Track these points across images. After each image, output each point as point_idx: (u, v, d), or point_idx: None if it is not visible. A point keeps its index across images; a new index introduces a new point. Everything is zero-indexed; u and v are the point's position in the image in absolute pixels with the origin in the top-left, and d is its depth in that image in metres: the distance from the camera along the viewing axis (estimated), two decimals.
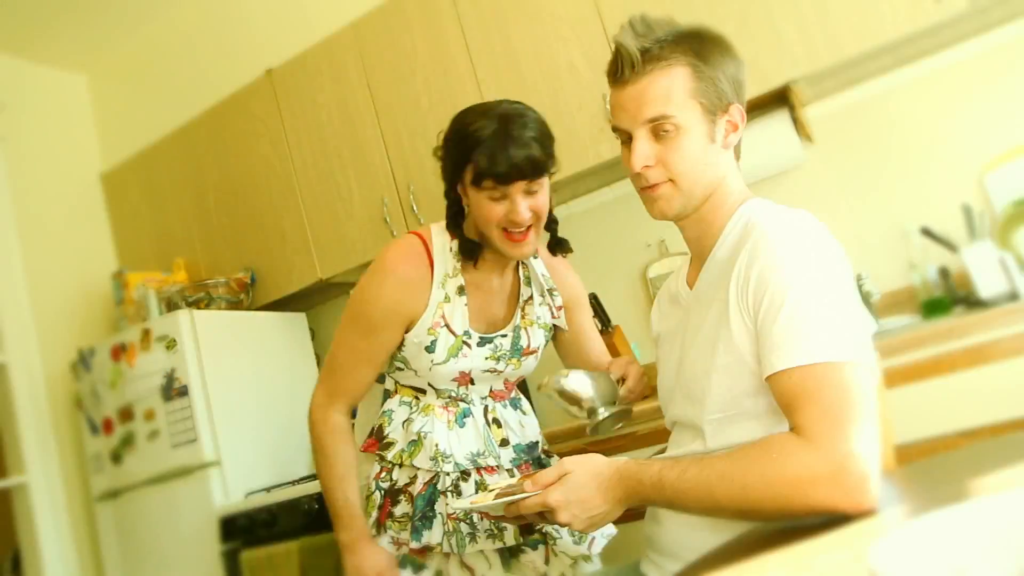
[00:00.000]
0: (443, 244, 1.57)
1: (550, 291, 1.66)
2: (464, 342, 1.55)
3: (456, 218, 1.56)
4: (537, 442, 1.68)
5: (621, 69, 1.14)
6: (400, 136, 2.81)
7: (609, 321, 2.58)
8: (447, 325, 1.54)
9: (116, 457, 2.94)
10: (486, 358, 1.57)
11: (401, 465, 1.57)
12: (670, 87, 1.11)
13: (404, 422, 1.59)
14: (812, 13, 2.15)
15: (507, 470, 1.60)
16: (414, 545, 1.52)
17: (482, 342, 1.57)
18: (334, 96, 2.97)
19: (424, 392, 1.61)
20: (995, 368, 1.68)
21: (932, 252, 2.26)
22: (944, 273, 2.21)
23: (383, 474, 1.59)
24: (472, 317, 1.57)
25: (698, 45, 1.13)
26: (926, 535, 0.55)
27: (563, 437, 2.20)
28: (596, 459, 1.08)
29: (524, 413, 1.70)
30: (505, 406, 1.66)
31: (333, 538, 2.35)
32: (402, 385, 1.63)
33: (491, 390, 1.64)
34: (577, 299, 1.75)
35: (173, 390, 2.79)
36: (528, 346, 1.63)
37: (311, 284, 3.04)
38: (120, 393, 2.94)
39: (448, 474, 1.55)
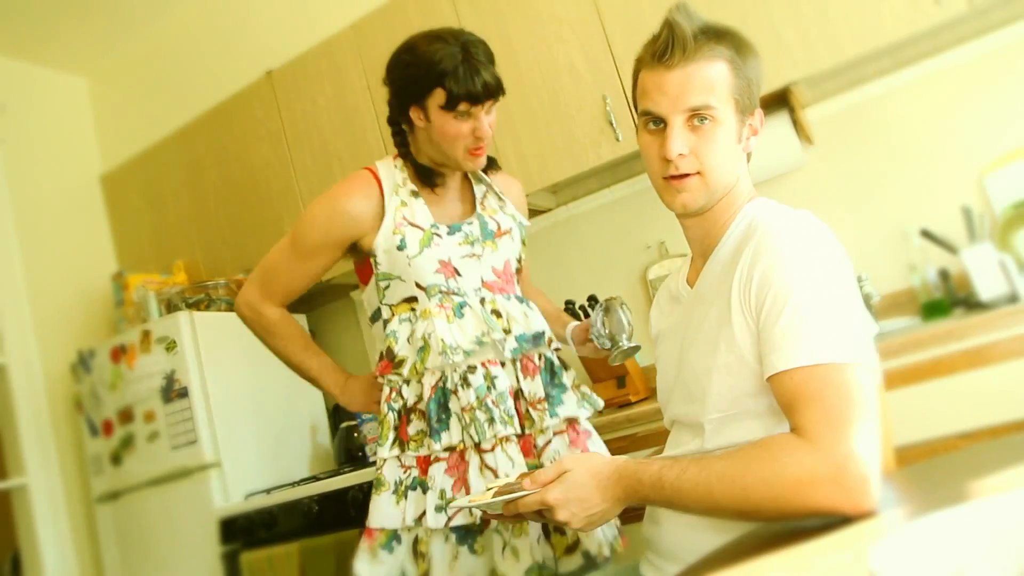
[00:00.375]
0: (387, 164, 1.72)
1: (498, 195, 1.80)
2: (434, 233, 1.64)
3: (405, 147, 1.71)
4: (543, 332, 1.70)
5: (671, 50, 1.11)
6: None
7: None
8: (411, 223, 1.64)
9: (116, 459, 2.94)
10: (459, 244, 1.66)
11: (409, 382, 1.64)
12: (715, 78, 1.10)
13: (408, 336, 1.64)
14: (812, 15, 2.15)
15: (511, 360, 1.65)
16: (436, 447, 1.57)
17: (451, 231, 1.66)
18: (334, 97, 2.97)
19: (417, 299, 1.65)
20: (995, 370, 1.68)
21: (932, 254, 2.26)
22: (944, 275, 2.21)
23: (393, 395, 1.65)
24: (433, 214, 1.68)
25: (737, 43, 1.14)
26: (926, 537, 0.55)
27: None
28: (595, 458, 1.09)
29: (530, 308, 1.72)
30: (508, 299, 1.69)
31: (333, 539, 2.37)
32: (396, 304, 1.68)
33: (483, 281, 1.68)
34: (524, 212, 1.87)
35: (173, 392, 2.79)
36: (499, 228, 1.73)
37: (311, 286, 3.03)
38: (120, 395, 2.94)
39: (456, 370, 1.60)
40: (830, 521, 0.81)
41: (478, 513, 1.54)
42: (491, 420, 1.57)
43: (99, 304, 3.59)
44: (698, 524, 1.07)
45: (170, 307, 3.04)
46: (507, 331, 1.65)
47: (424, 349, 1.60)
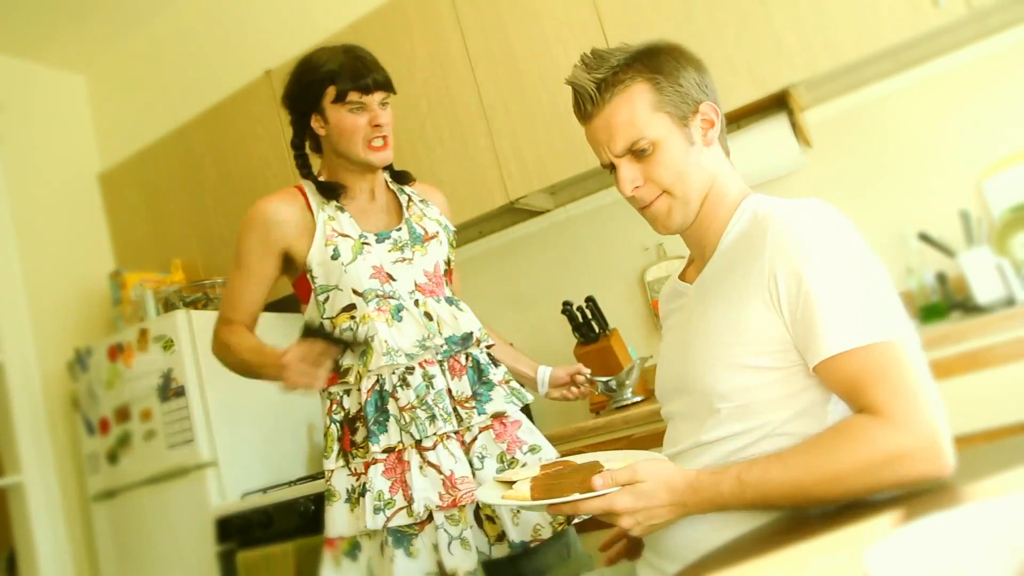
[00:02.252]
0: (309, 186, 1.78)
1: (423, 201, 1.86)
2: (363, 242, 1.70)
3: (306, 168, 1.79)
4: (471, 333, 1.73)
5: (583, 106, 1.20)
6: (398, 139, 2.77)
7: (606, 324, 2.58)
8: (340, 234, 1.70)
9: (112, 457, 2.94)
10: (389, 250, 1.71)
11: (350, 392, 1.67)
12: (632, 108, 1.15)
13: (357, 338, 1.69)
14: (811, 18, 2.15)
15: (438, 361, 1.67)
16: (374, 448, 1.60)
17: (380, 239, 1.72)
18: None
19: (355, 306, 1.69)
20: (991, 373, 1.68)
21: (929, 257, 2.27)
22: (941, 278, 2.22)
23: (334, 407, 1.69)
24: (361, 225, 1.73)
25: (650, 59, 1.16)
26: (920, 539, 0.55)
27: (566, 438, 2.20)
28: (669, 469, 1.06)
29: (460, 309, 1.76)
30: (438, 301, 1.73)
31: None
32: (336, 316, 1.71)
33: (415, 284, 1.72)
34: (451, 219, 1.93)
35: (170, 390, 2.78)
36: (427, 233, 1.78)
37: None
38: (117, 393, 2.93)
39: (394, 372, 1.64)
40: (824, 522, 0.82)
41: (419, 511, 1.55)
42: (432, 417, 1.60)
43: (96, 302, 3.58)
44: (697, 522, 1.08)
45: (167, 306, 3.04)
46: (438, 333, 1.69)
47: (367, 352, 1.63)
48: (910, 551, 0.54)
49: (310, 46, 3.02)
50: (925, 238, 2.23)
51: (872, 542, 0.54)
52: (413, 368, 1.65)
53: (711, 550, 0.93)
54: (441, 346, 1.67)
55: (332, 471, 1.67)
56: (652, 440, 2.05)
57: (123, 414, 2.91)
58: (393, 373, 1.64)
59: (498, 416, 1.70)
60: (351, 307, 1.69)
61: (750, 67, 2.23)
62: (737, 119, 2.51)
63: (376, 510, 1.57)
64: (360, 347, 1.62)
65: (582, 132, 2.56)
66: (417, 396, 1.62)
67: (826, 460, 0.95)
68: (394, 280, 1.70)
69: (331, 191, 1.73)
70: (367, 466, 1.62)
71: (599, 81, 1.16)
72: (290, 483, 2.68)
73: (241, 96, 3.22)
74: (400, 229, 1.75)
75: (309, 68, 1.72)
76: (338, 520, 1.65)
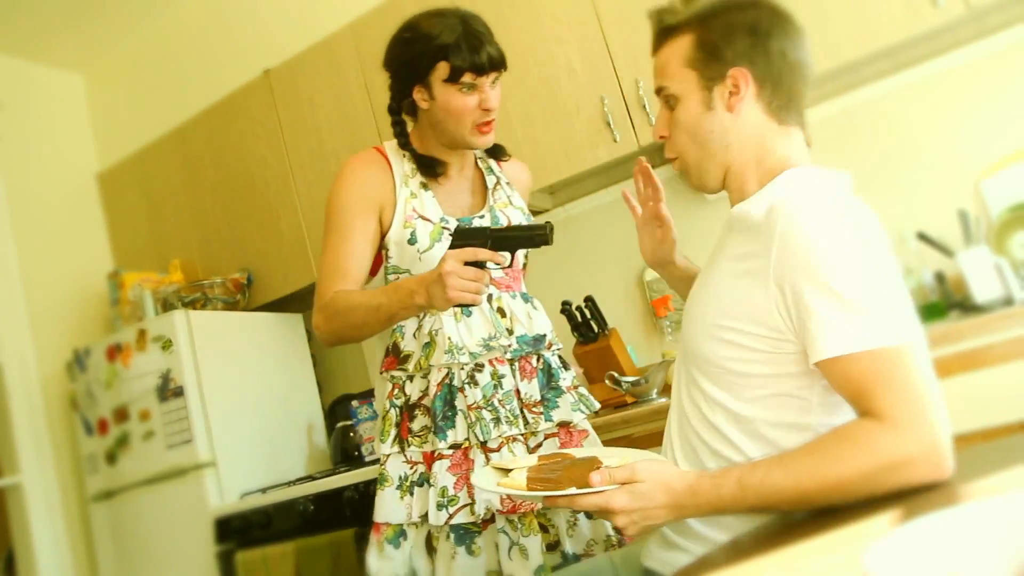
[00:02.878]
0: (395, 148, 1.69)
1: (508, 184, 1.77)
2: (443, 227, 1.61)
3: (404, 136, 1.68)
4: (544, 335, 1.66)
5: (652, 43, 1.22)
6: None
7: (606, 324, 2.58)
8: (420, 216, 1.61)
9: (111, 457, 2.94)
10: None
11: (412, 378, 1.61)
12: (669, 58, 1.17)
13: (415, 331, 1.62)
14: (810, 17, 2.14)
15: (508, 360, 1.61)
16: (441, 444, 1.55)
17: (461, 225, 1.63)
18: (332, 97, 2.97)
19: None
20: (990, 373, 1.69)
21: (928, 257, 2.27)
22: (940, 278, 2.22)
23: (395, 391, 1.63)
24: (443, 206, 1.64)
25: (710, 14, 1.15)
26: (919, 539, 0.55)
27: None
28: (669, 471, 1.05)
29: (535, 308, 1.69)
30: (514, 297, 1.66)
31: (328, 539, 2.36)
32: None
33: (491, 276, 1.61)
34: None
35: (168, 391, 2.78)
36: (509, 223, 1.68)
37: (308, 285, 3.04)
38: (115, 393, 2.93)
39: (463, 367, 1.58)
40: (823, 522, 0.82)
41: (480, 512, 1.53)
42: (497, 420, 1.55)
43: (95, 303, 3.58)
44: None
45: (166, 306, 3.04)
46: (510, 331, 1.63)
47: (430, 345, 1.58)
48: (909, 551, 0.54)
49: (308, 45, 3.04)
50: (923, 237, 2.23)
51: (871, 542, 0.54)
52: (483, 366, 1.59)
53: (706, 552, 0.93)
54: (510, 346, 1.60)
55: (387, 456, 1.61)
56: (651, 440, 2.05)
57: (122, 414, 2.91)
58: (462, 368, 1.58)
59: (564, 424, 1.64)
60: None
61: None
62: None
63: (440, 506, 1.54)
64: (542, 239, 1.40)
65: (580, 132, 2.58)
66: (484, 396, 1.56)
67: (828, 465, 0.95)
68: None
69: (430, 168, 1.64)
70: (429, 459, 1.58)
71: (661, 24, 1.19)
72: (289, 483, 2.68)
73: (240, 96, 3.22)
74: (483, 216, 1.66)
75: (421, 37, 1.57)
76: (387, 506, 1.60)
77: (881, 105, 2.41)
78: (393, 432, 1.61)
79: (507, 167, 1.81)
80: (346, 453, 2.87)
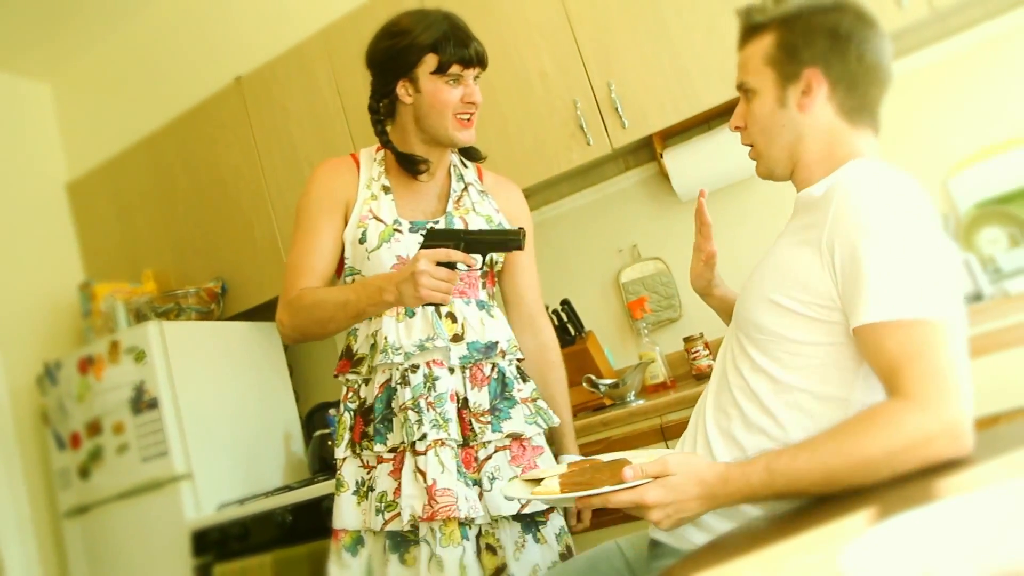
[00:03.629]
0: (369, 154, 1.72)
1: (483, 192, 1.76)
2: (395, 229, 1.62)
3: (385, 135, 1.69)
4: (496, 343, 1.63)
5: (739, 39, 1.28)
6: (372, 142, 2.78)
7: (582, 327, 2.58)
8: (375, 216, 1.63)
9: (84, 472, 2.89)
10: (419, 244, 1.55)
11: (368, 381, 1.62)
12: (751, 55, 1.23)
13: (366, 334, 1.63)
14: None
15: (451, 368, 1.59)
16: (378, 449, 1.55)
17: (414, 228, 1.63)
18: (304, 103, 2.95)
19: None
20: None
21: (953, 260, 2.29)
22: None
23: (350, 395, 1.64)
24: (400, 209, 1.65)
25: (794, 14, 1.19)
26: (895, 537, 0.56)
27: None
28: (699, 463, 1.07)
29: (490, 315, 1.67)
30: (468, 303, 1.64)
31: (307, 550, 2.34)
32: None
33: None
34: (517, 220, 1.80)
35: (142, 403, 2.75)
36: (464, 228, 1.66)
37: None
38: (88, 407, 2.89)
39: (398, 368, 1.58)
40: (801, 521, 0.82)
41: (405, 519, 1.49)
42: (420, 421, 1.52)
43: (66, 315, 3.53)
44: None
45: (139, 317, 3.00)
46: (459, 337, 1.60)
47: (374, 347, 1.59)
48: (885, 549, 0.55)
49: (280, 52, 3.02)
50: None
51: (848, 541, 0.55)
52: (417, 367, 1.57)
53: (685, 553, 0.94)
54: (458, 351, 1.58)
55: (343, 459, 1.61)
56: (630, 442, 2.05)
57: (94, 428, 2.87)
58: (397, 370, 1.58)
59: (517, 437, 1.61)
60: None
61: (720, 69, 2.25)
62: (708, 120, 2.53)
63: (377, 511, 1.53)
64: (514, 243, 1.44)
65: (553, 136, 2.58)
66: (412, 397, 1.54)
67: (854, 445, 0.97)
68: None
69: (411, 165, 1.65)
70: (378, 461, 1.58)
71: (748, 22, 1.24)
72: (267, 494, 2.66)
73: (211, 103, 3.19)
74: (438, 221, 1.66)
75: (406, 31, 1.60)
76: (344, 512, 1.59)
77: None
78: (347, 436, 1.61)
79: (491, 179, 1.81)
80: (324, 462, 2.84)
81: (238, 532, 2.51)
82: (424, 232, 1.53)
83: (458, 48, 1.58)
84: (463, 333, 1.61)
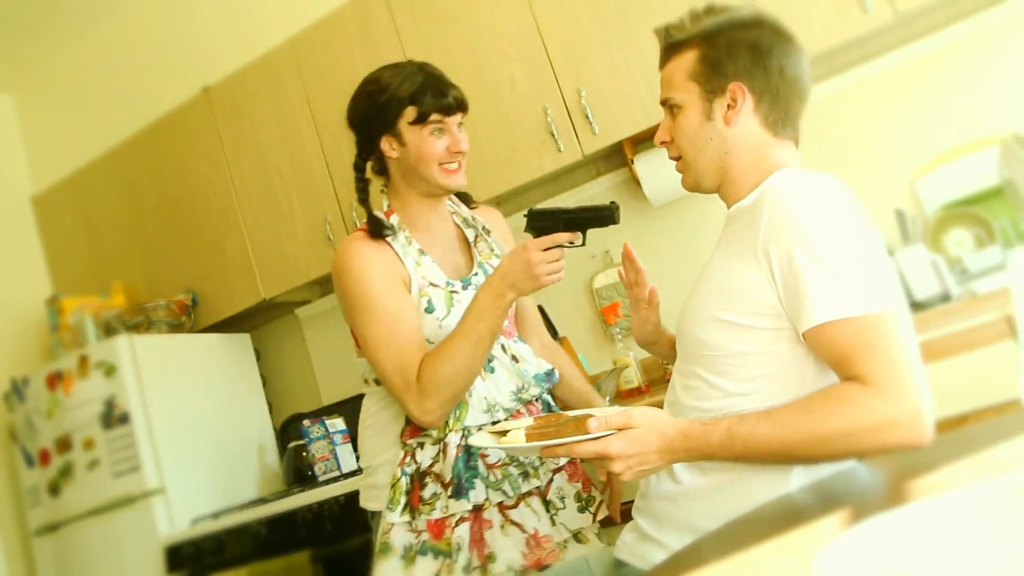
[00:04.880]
0: (379, 223, 1.61)
1: (485, 229, 1.74)
2: (451, 291, 1.60)
3: (364, 193, 1.66)
4: (552, 369, 1.67)
5: (660, 57, 1.30)
6: (341, 152, 2.78)
7: (556, 333, 2.58)
8: (431, 283, 1.59)
9: (54, 489, 2.85)
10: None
11: (423, 445, 1.56)
12: (675, 72, 1.25)
13: None
14: None
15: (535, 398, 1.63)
16: (462, 507, 1.50)
17: (464, 286, 1.62)
18: (273, 113, 2.93)
19: None
20: (929, 369, 1.72)
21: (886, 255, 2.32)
22: None
23: (407, 459, 1.57)
24: (443, 268, 1.64)
25: (714, 31, 1.22)
26: (869, 540, 0.56)
27: None
28: (660, 417, 1.09)
29: (527, 347, 1.70)
30: (517, 341, 1.66)
31: (284, 563, 2.32)
32: None
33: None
34: (509, 244, 1.79)
35: (113, 417, 2.71)
36: None
37: (254, 304, 2.99)
38: (57, 422, 2.84)
39: (479, 427, 1.54)
40: (775, 526, 0.83)
41: (500, 572, 1.51)
42: (525, 474, 1.54)
43: (33, 330, 3.47)
44: (679, 497, 1.15)
45: (108, 330, 2.96)
46: (529, 379, 1.63)
47: (462, 406, 1.54)
48: (859, 552, 0.55)
49: (247, 62, 3.00)
50: None
51: (822, 544, 0.55)
52: (496, 421, 1.55)
53: (662, 559, 0.94)
54: (533, 389, 1.60)
55: (392, 524, 1.55)
56: None
57: (64, 444, 2.82)
58: (479, 428, 1.54)
59: (571, 460, 1.62)
60: None
61: None
62: None
63: (465, 569, 1.51)
64: (609, 218, 1.44)
65: (524, 143, 2.59)
66: (509, 454, 1.52)
67: (814, 421, 1.00)
68: None
69: (381, 227, 1.58)
70: (430, 525, 1.54)
71: (668, 40, 1.26)
72: (242, 507, 2.63)
73: (179, 114, 3.16)
74: (476, 274, 1.65)
75: (384, 87, 1.59)
76: None
77: (817, 109, 2.44)
78: (403, 500, 1.55)
79: (480, 214, 1.78)
80: (299, 473, 2.82)
81: (213, 547, 2.48)
82: (525, 214, 1.50)
83: (436, 97, 1.56)
84: (527, 369, 1.63)
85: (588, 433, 1.05)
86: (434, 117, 1.56)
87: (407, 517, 1.54)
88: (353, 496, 2.02)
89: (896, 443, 0.96)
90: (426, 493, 1.54)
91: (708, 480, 1.14)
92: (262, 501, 2.59)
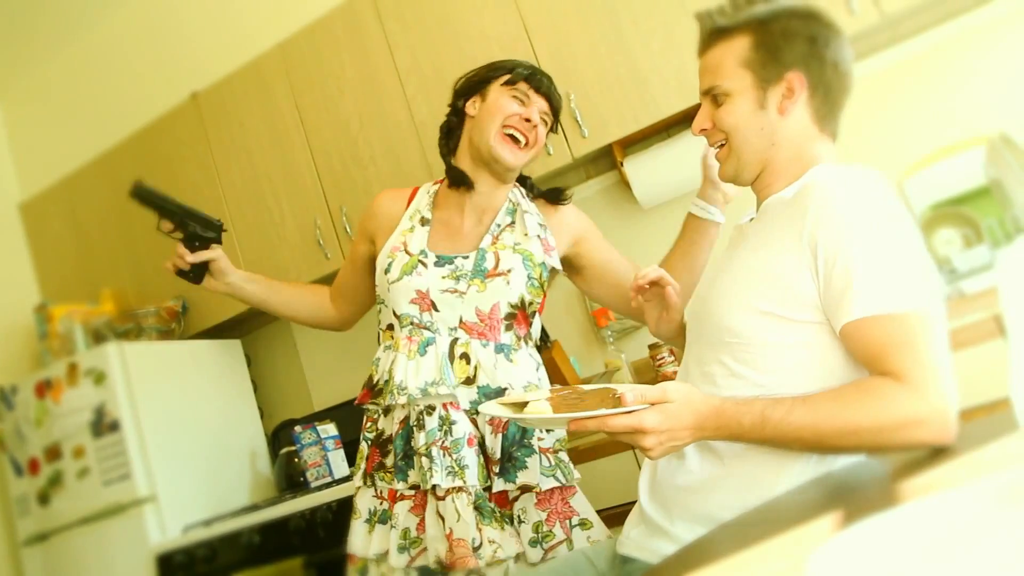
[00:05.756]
0: (427, 188, 1.76)
1: (542, 225, 1.69)
2: (420, 261, 1.61)
3: (449, 137, 1.72)
4: (506, 389, 1.56)
5: (700, 42, 1.26)
6: (331, 157, 2.78)
7: (548, 336, 2.58)
8: (405, 249, 1.63)
9: (43, 498, 2.83)
10: (443, 276, 1.58)
11: (388, 411, 1.60)
12: (723, 58, 1.21)
13: (384, 367, 1.61)
14: None
15: (464, 410, 1.54)
16: (399, 486, 1.53)
17: (440, 262, 1.60)
18: (262, 119, 2.92)
19: (393, 328, 1.62)
20: None
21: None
22: None
23: (368, 424, 1.62)
24: (432, 240, 1.65)
25: (768, 16, 1.19)
26: (863, 541, 0.56)
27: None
28: (694, 393, 1.08)
29: (511, 362, 1.59)
30: (485, 345, 1.57)
31: (276, 570, 2.31)
32: (383, 331, 1.66)
33: (461, 320, 1.57)
34: (585, 230, 1.75)
35: (103, 425, 2.69)
36: (495, 268, 1.59)
37: (245, 310, 2.98)
38: (46, 431, 2.83)
39: (415, 406, 1.54)
40: (769, 527, 0.83)
41: (437, 555, 1.46)
42: (431, 469, 1.48)
43: (21, 337, 3.45)
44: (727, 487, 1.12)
45: (98, 337, 2.95)
46: (470, 380, 1.55)
47: (388, 382, 1.57)
48: (853, 554, 0.55)
49: (236, 67, 2.99)
50: None
51: (814, 547, 0.55)
52: (434, 408, 1.53)
53: (657, 562, 0.94)
54: (468, 395, 1.54)
55: (358, 488, 1.62)
56: (597, 450, 2.05)
57: (54, 453, 2.80)
58: (414, 409, 1.54)
59: (526, 488, 1.54)
60: (390, 327, 1.63)
61: (678, 77, 2.27)
62: (667, 128, 2.55)
63: (400, 548, 1.51)
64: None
65: None
66: (427, 442, 1.50)
67: (848, 412, 1.00)
68: (436, 310, 1.57)
69: (459, 179, 1.66)
70: (390, 494, 1.56)
71: (714, 25, 1.22)
72: (234, 514, 2.62)
73: (168, 120, 3.15)
74: (468, 256, 1.61)
75: (500, 63, 1.68)
76: (355, 538, 1.60)
77: None
78: (363, 466, 1.60)
79: (560, 214, 1.73)
80: (291, 480, 2.81)
81: (205, 555, 2.46)
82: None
83: (532, 78, 1.63)
84: (475, 376, 1.56)
85: (624, 403, 1.02)
86: (522, 85, 1.62)
87: (368, 482, 1.59)
88: (345, 502, 2.02)
89: (923, 441, 0.97)
90: (388, 461, 1.58)
91: (726, 469, 1.13)
92: (254, 508, 2.57)
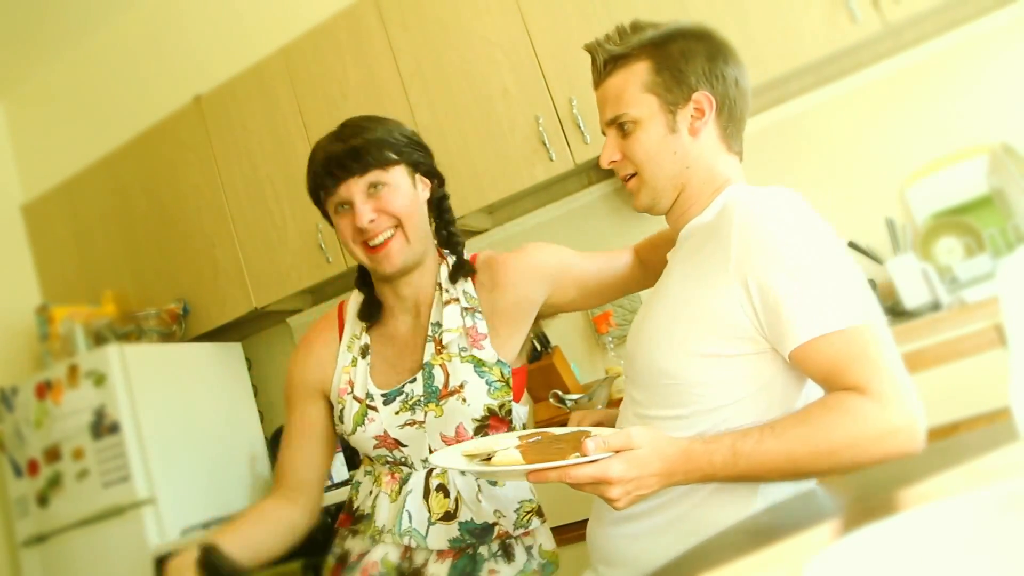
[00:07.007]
0: (355, 305, 1.49)
1: (467, 310, 1.40)
2: (368, 406, 1.38)
3: (363, 273, 1.48)
4: (494, 524, 1.34)
5: (593, 73, 1.23)
6: None
7: (548, 342, 2.58)
8: (352, 392, 1.41)
9: (43, 500, 2.82)
10: (396, 412, 1.36)
11: (354, 534, 1.43)
12: (624, 85, 1.17)
13: (369, 493, 1.43)
14: (734, 35, 2.17)
15: (437, 550, 1.34)
16: None
17: (388, 398, 1.38)
18: (265, 122, 2.93)
19: (372, 460, 1.43)
20: (920, 377, 1.72)
21: (858, 264, 2.32)
22: (871, 285, 2.27)
23: (336, 540, 1.47)
24: (376, 374, 1.41)
25: (663, 40, 1.17)
26: (859, 550, 0.56)
27: None
28: (662, 437, 1.01)
29: (496, 483, 1.37)
30: (464, 473, 1.35)
31: (274, 573, 2.30)
32: (363, 455, 1.49)
33: (431, 449, 1.35)
34: (560, 264, 1.46)
35: (103, 427, 2.69)
36: (446, 386, 1.35)
37: (246, 313, 2.98)
38: (46, 432, 2.83)
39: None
40: (764, 536, 0.82)
41: None
42: None
43: (22, 339, 3.45)
44: (639, 534, 1.09)
45: (99, 339, 2.95)
46: (451, 515, 1.34)
47: (370, 517, 1.39)
48: (849, 562, 0.55)
49: (239, 71, 3.00)
50: (854, 246, 2.28)
51: (811, 556, 0.55)
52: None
53: (652, 571, 0.93)
54: (448, 532, 1.33)
55: None
56: None
57: (53, 454, 2.80)
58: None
59: None
60: (369, 459, 1.45)
61: None
62: None
63: None
64: None
65: (516, 152, 2.59)
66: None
67: (819, 434, 0.96)
68: (404, 446, 1.37)
69: (369, 310, 1.44)
70: None
71: (608, 53, 1.19)
72: (232, 516, 2.61)
73: (170, 122, 3.16)
74: (414, 380, 1.37)
75: (309, 161, 1.39)
76: None
77: (807, 119, 2.47)
78: None
79: (524, 266, 1.43)
80: None
81: None
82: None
83: (320, 178, 1.34)
84: (456, 511, 1.34)
85: (585, 452, 0.94)
86: (329, 199, 1.35)
87: None
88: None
89: (897, 451, 0.95)
90: None
91: (667, 515, 1.10)
92: None
